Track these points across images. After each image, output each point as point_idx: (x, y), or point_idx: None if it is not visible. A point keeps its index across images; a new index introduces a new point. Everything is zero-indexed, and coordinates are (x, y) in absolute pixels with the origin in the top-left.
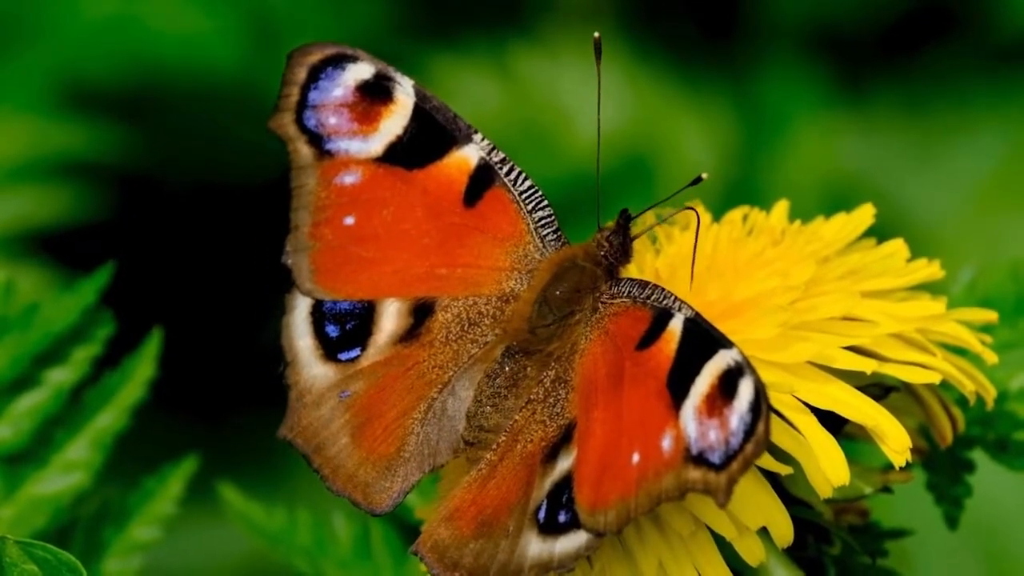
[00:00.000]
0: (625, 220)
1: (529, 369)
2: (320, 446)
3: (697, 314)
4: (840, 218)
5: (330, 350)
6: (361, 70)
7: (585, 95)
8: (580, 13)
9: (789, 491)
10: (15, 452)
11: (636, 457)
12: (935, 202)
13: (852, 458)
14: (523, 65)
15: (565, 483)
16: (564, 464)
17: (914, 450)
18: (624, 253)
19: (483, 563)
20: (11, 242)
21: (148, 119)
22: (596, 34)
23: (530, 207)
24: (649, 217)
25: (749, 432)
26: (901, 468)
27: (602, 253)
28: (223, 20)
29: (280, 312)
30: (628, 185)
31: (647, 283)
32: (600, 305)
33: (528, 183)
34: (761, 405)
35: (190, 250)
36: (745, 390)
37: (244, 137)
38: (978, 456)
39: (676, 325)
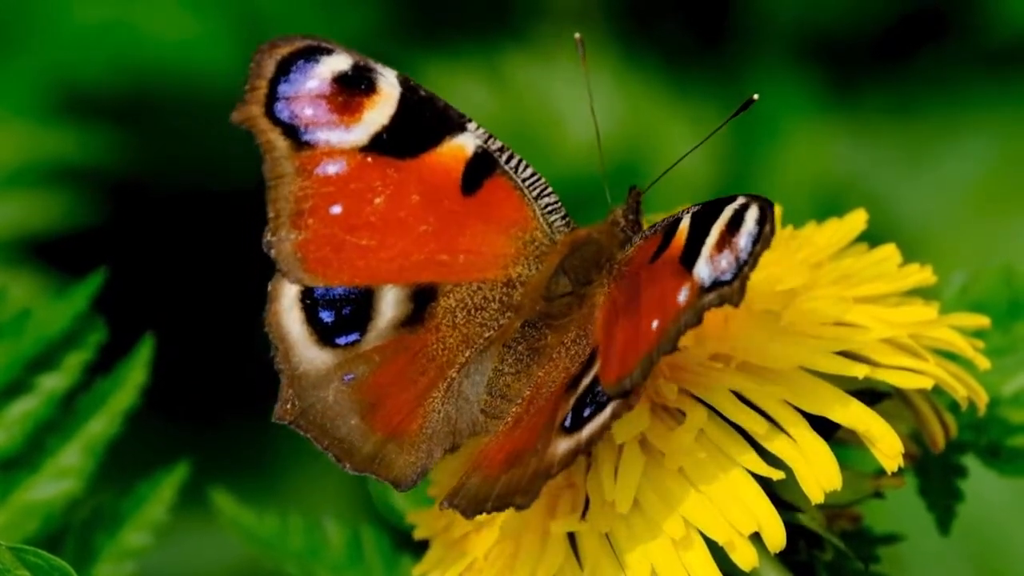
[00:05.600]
0: (636, 197)
1: (549, 337)
2: (328, 427)
3: (703, 204)
4: (832, 223)
5: (326, 335)
6: (337, 62)
7: (577, 99)
8: (572, 17)
9: (781, 496)
10: (7, 458)
11: (656, 323)
12: (927, 206)
13: (844, 463)
14: (515, 69)
15: (588, 391)
16: (586, 381)
17: (906, 455)
18: (639, 228)
19: (514, 483)
20: (3, 248)
21: (141, 124)
22: (577, 35)
23: (535, 194)
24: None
25: (756, 239)
26: (893, 473)
27: (619, 228)
28: (215, 25)
29: (264, 302)
30: (619, 190)
31: (656, 223)
32: (616, 267)
33: (530, 170)
34: (766, 213)
35: (182, 255)
36: (751, 215)
37: (237, 142)
38: (970, 461)
39: (684, 222)
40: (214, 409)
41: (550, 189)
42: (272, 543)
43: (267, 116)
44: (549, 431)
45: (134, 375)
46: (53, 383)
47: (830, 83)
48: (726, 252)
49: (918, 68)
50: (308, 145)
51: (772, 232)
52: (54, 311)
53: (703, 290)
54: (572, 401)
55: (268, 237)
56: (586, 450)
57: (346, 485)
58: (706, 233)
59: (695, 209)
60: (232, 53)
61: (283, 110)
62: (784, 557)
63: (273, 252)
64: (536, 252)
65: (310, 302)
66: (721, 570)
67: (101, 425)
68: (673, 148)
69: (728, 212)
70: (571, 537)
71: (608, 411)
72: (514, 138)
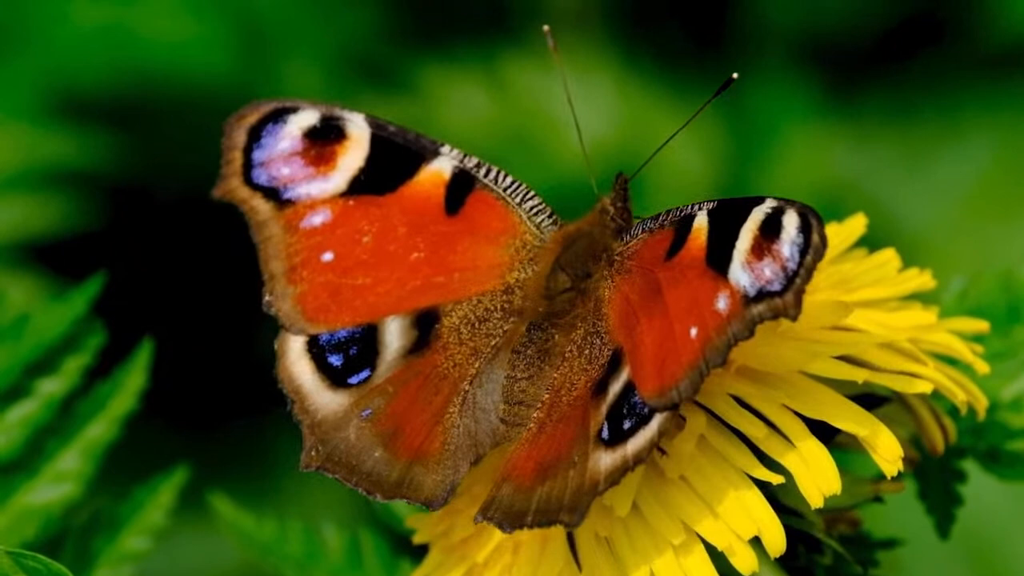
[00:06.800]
0: (624, 184)
1: (557, 337)
2: (354, 465)
3: (718, 201)
4: (832, 227)
5: (338, 378)
6: (304, 117)
7: (576, 102)
8: (570, 21)
9: (780, 500)
10: (6, 462)
11: (695, 331)
12: (925, 209)
13: (843, 468)
14: (513, 73)
15: (622, 400)
16: (616, 387)
17: (905, 460)
18: (628, 215)
19: (555, 497)
20: (2, 251)
21: (139, 128)
22: (546, 27)
23: (518, 199)
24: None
25: (804, 249)
26: (892, 478)
27: (608, 217)
28: (213, 28)
29: (268, 313)
30: (605, 189)
31: (658, 215)
32: (616, 258)
33: (509, 179)
34: (810, 221)
35: (181, 259)
36: (790, 221)
37: None
38: (969, 466)
39: (701, 219)
40: (213, 413)
41: (532, 193)
42: (271, 547)
43: (246, 185)
44: (584, 441)
45: (133, 379)
46: (52, 387)
47: (829, 87)
48: (768, 260)
49: (916, 72)
50: (290, 202)
51: (824, 243)
52: (53, 315)
53: (748, 300)
54: (604, 409)
55: (267, 298)
56: (634, 467)
57: (345, 489)
58: (732, 235)
59: (711, 206)
60: (230, 56)
61: (260, 175)
62: (783, 561)
63: (274, 310)
64: (530, 255)
65: (317, 350)
66: (721, 575)
67: (100, 429)
68: (671, 151)
69: (758, 215)
70: (571, 542)
71: (655, 426)
72: (512, 142)
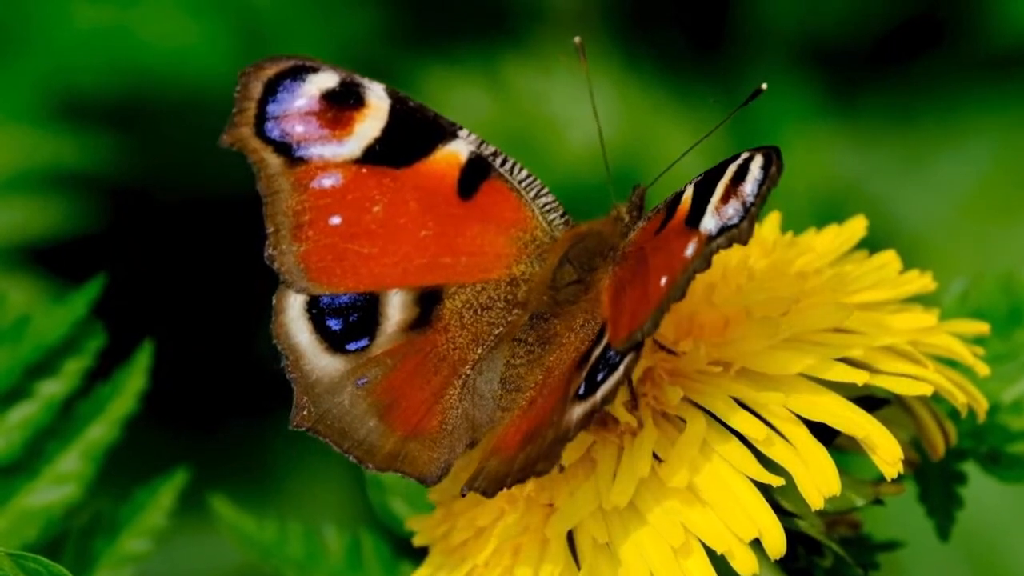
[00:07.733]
0: (641, 193)
1: (558, 327)
2: (346, 431)
3: (704, 172)
4: (832, 230)
5: (335, 342)
6: (324, 79)
7: (576, 105)
8: (570, 23)
9: (780, 503)
10: (7, 464)
11: (664, 280)
12: (925, 211)
13: (844, 470)
14: (513, 75)
15: (599, 361)
16: (596, 352)
17: (906, 462)
18: None
19: (533, 456)
20: (2, 253)
21: (139, 129)
22: (577, 39)
23: (532, 194)
24: None
25: (762, 182)
26: (893, 480)
27: (623, 224)
28: (213, 30)
29: (269, 315)
30: (618, 195)
31: (657, 205)
32: (619, 252)
33: (525, 172)
34: (771, 158)
35: (181, 261)
36: (756, 164)
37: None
38: (970, 468)
39: (687, 192)
40: (213, 415)
41: (546, 189)
42: (271, 549)
43: (258, 136)
44: (563, 404)
45: (133, 381)
46: (52, 389)
47: (829, 89)
48: (732, 201)
49: (916, 74)
50: (302, 160)
51: (780, 171)
52: (53, 317)
53: (711, 238)
54: (584, 373)
55: (269, 251)
56: (601, 409)
57: (346, 491)
58: (711, 193)
59: (698, 178)
60: (230, 58)
61: (273, 129)
62: (783, 563)
63: (276, 264)
64: (538, 250)
65: (316, 311)
66: None
67: (100, 431)
68: (672, 154)
69: (732, 168)
70: (571, 544)
71: (621, 368)
72: (513, 144)
